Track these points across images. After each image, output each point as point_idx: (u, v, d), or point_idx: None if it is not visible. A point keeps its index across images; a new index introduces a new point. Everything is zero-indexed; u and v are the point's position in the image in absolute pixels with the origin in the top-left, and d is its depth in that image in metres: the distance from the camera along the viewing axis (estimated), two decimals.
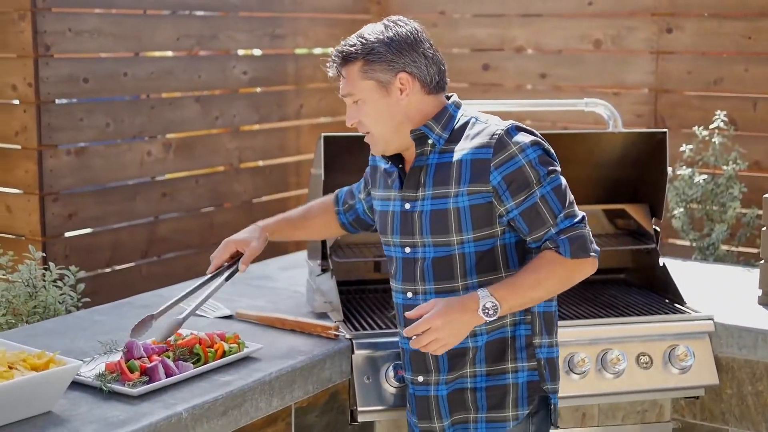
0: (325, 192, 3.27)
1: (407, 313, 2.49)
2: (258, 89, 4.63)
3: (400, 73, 2.52)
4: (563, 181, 2.51)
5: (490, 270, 2.56)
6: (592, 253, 2.48)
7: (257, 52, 4.64)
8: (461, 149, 2.52)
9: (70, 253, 3.84)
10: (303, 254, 3.95)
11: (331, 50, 2.60)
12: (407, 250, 2.61)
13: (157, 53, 4.24)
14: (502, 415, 2.60)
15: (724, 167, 4.15)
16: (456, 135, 2.55)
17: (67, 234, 3.85)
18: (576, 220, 2.48)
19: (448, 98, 2.64)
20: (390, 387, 2.96)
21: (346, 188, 3.03)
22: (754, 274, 3.52)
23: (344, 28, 5.07)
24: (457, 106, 2.62)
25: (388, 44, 2.51)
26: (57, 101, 3.87)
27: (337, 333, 2.98)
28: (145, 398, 2.48)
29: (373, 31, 2.55)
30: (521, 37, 4.88)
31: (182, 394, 2.51)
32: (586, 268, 2.50)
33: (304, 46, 4.86)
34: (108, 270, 4.00)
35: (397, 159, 2.63)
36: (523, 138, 2.48)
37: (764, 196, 3.38)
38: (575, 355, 3.06)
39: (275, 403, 2.71)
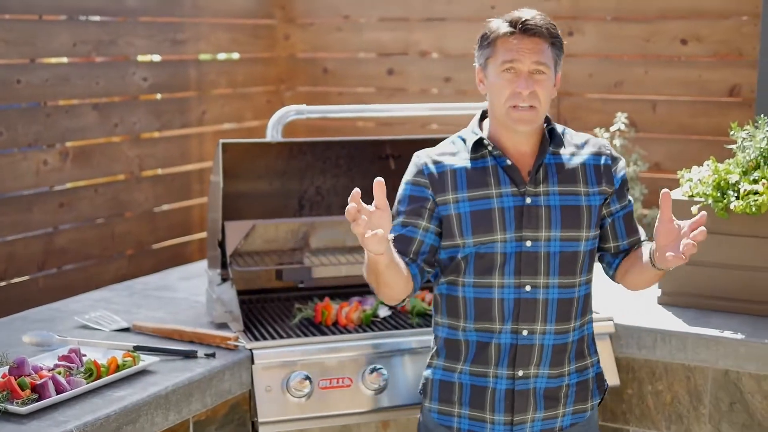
0: (224, 200, 3.23)
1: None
2: (159, 96, 4.55)
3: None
4: None
5: (587, 271, 2.72)
6: None
7: (157, 57, 4.55)
8: (577, 154, 2.71)
9: None
10: (203, 264, 3.88)
11: (535, 15, 2.61)
12: (528, 243, 2.61)
13: (53, 59, 4.12)
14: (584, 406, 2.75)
15: None
16: (558, 139, 2.70)
17: None
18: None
19: None
20: (292, 397, 2.92)
21: (396, 252, 2.57)
22: None
23: (247, 33, 5.04)
24: None
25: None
26: None
27: (236, 343, 2.93)
28: (34, 416, 2.41)
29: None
30: (425, 41, 4.87)
31: (73, 411, 2.45)
32: None
33: (207, 52, 4.78)
34: (3, 283, 3.87)
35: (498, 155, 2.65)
36: None
37: (662, 190, 3.41)
38: None
39: (172, 417, 2.65)
